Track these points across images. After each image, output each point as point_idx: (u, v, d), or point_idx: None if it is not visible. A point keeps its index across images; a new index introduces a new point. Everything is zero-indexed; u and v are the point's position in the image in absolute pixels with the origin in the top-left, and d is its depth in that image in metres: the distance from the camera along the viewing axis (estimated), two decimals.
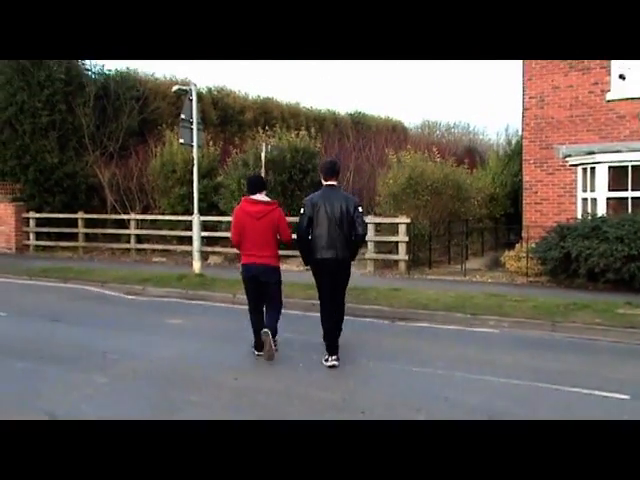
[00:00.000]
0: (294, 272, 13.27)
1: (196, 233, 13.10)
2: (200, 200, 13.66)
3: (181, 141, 13.29)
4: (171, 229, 17.18)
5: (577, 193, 13.44)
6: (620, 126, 12.92)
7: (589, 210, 12.65)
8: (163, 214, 17.63)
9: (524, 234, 13.45)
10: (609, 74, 13.06)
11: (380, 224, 14.31)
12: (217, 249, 16.21)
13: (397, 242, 13.74)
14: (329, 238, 6.63)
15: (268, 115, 25.00)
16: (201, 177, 14.62)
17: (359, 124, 28.92)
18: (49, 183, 18.89)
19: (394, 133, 26.28)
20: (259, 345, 6.92)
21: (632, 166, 12.39)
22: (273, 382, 6.14)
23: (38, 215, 18.69)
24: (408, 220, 13.56)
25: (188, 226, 14.97)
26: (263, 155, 15.06)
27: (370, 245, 13.96)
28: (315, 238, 6.70)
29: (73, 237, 18.26)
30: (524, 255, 12.32)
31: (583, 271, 10.84)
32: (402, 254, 13.62)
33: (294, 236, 7.18)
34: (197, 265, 12.99)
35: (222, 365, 6.81)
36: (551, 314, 8.82)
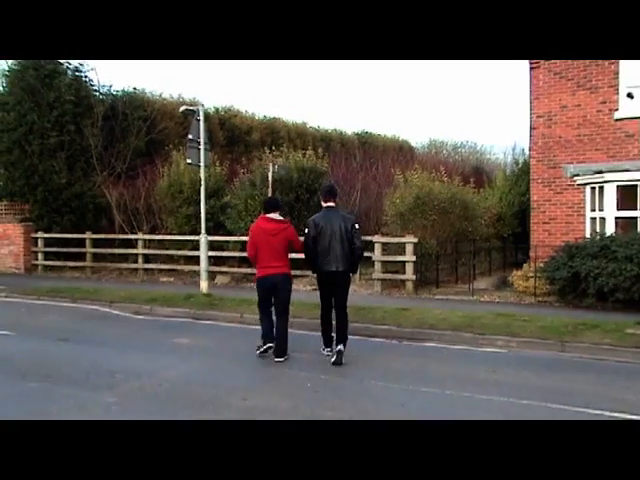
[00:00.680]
0: (302, 291, 13.25)
1: (203, 253, 13.11)
2: (207, 220, 13.69)
3: (188, 161, 13.35)
4: (178, 249, 17.20)
5: (585, 212, 13.40)
6: (628, 145, 12.91)
7: (597, 229, 12.60)
8: (170, 234, 17.66)
9: (532, 254, 13.40)
10: (617, 93, 13.07)
11: (387, 244, 14.29)
12: (224, 269, 16.22)
13: (404, 262, 13.70)
14: (331, 253, 7.61)
15: (275, 135, 25.13)
16: (208, 197, 14.64)
17: (366, 144, 29.00)
18: (57, 203, 18.97)
19: (401, 152, 26.38)
20: (262, 347, 7.87)
21: None
22: (281, 402, 6.11)
23: (47, 235, 18.75)
24: (415, 240, 13.54)
25: (195, 246, 14.99)
26: (270, 175, 15.10)
27: (377, 265, 13.94)
28: (318, 253, 7.68)
29: (81, 257, 18.30)
30: (532, 275, 12.27)
31: (592, 291, 10.78)
32: (409, 274, 13.59)
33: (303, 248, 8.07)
34: (204, 285, 12.99)
35: (230, 385, 6.79)
36: (560, 334, 8.76)
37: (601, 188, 12.97)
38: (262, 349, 7.89)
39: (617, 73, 13.00)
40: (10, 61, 19.06)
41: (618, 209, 12.59)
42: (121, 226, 18.94)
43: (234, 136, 24.07)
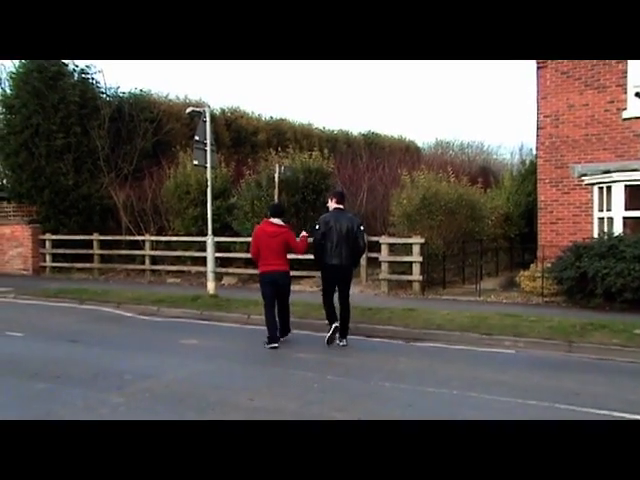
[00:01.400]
0: (307, 292, 13.26)
1: (210, 254, 13.13)
2: (214, 221, 13.70)
3: (195, 162, 13.36)
4: (185, 250, 17.23)
5: (593, 212, 13.36)
6: (637, 144, 12.85)
7: (605, 229, 12.56)
8: (177, 235, 17.68)
9: (539, 254, 13.36)
10: (625, 92, 13.02)
11: (394, 244, 14.27)
12: (231, 270, 16.24)
13: (411, 262, 13.68)
14: (337, 249, 8.66)
15: (281, 136, 25.11)
16: (214, 198, 14.65)
17: (372, 144, 28.94)
18: (64, 205, 19.06)
19: (407, 153, 26.32)
20: (270, 339, 8.64)
21: None
22: (288, 402, 6.10)
23: (54, 237, 18.83)
24: (422, 240, 13.52)
25: (202, 247, 15.01)
26: (276, 176, 15.10)
27: (384, 265, 13.93)
28: (327, 248, 8.70)
29: (89, 258, 18.36)
30: (539, 275, 12.23)
31: (600, 291, 10.74)
32: (416, 274, 13.57)
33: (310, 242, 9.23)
34: (211, 286, 13.00)
35: (237, 385, 6.80)
36: (567, 334, 8.73)
37: (609, 188, 12.92)
38: (269, 345, 8.62)
39: (625, 72, 12.96)
40: (16, 64, 19.17)
41: (626, 209, 12.53)
42: (128, 227, 18.99)
43: (240, 137, 24.09)
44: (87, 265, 18.33)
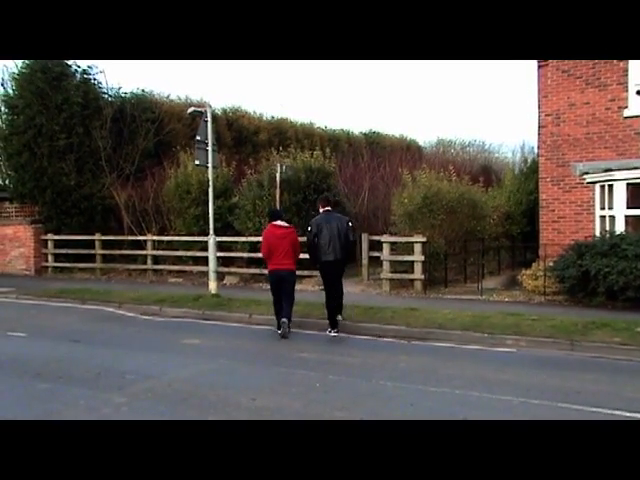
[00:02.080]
0: (309, 292, 13.26)
1: (212, 254, 13.13)
2: (215, 220, 13.71)
3: (196, 162, 13.37)
4: (187, 250, 17.23)
5: (595, 211, 13.33)
6: (638, 142, 12.81)
7: (607, 228, 12.54)
8: (179, 235, 17.69)
9: (541, 252, 13.35)
10: (626, 90, 12.99)
11: (395, 243, 14.27)
12: (233, 269, 16.25)
13: (413, 261, 13.68)
14: (330, 246, 9.66)
15: (282, 136, 25.10)
16: (216, 198, 14.66)
17: (373, 143, 28.93)
18: (66, 205, 19.08)
19: (409, 152, 26.26)
20: (279, 326, 9.46)
21: None
22: (291, 402, 6.11)
23: (56, 237, 18.85)
24: (424, 239, 13.52)
25: (204, 247, 15.02)
26: (278, 176, 15.11)
27: (386, 264, 13.93)
28: (320, 246, 9.74)
29: (91, 258, 18.39)
30: (541, 274, 12.22)
31: (602, 289, 10.73)
32: (418, 273, 13.56)
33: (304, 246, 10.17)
34: (213, 285, 13.01)
35: (239, 385, 6.80)
36: (570, 333, 8.73)
37: (610, 186, 12.90)
38: (281, 331, 9.43)
39: (626, 70, 12.93)
40: (19, 64, 19.19)
41: (628, 207, 12.51)
42: (130, 227, 19.00)
43: (241, 137, 24.08)
44: (89, 265, 18.35)
